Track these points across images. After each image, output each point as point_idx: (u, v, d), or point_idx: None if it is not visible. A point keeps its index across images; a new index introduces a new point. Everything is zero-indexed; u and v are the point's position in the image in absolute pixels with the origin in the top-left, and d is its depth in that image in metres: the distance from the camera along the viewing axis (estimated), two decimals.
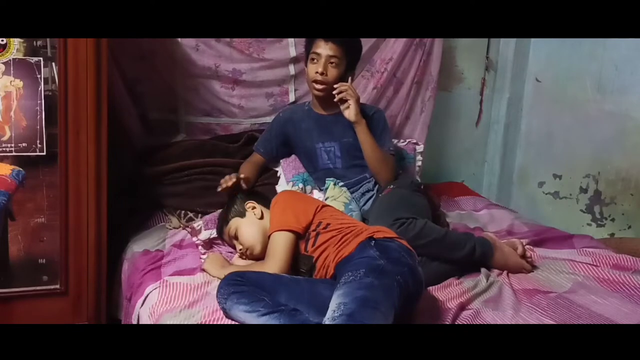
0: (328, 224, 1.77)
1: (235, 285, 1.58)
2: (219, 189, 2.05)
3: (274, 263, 1.71)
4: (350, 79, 2.25)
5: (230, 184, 2.00)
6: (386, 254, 1.59)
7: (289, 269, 1.73)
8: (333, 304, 1.44)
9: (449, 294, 1.79)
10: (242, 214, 1.91)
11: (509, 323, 1.63)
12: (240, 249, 1.89)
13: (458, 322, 1.64)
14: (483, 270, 1.92)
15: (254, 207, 1.92)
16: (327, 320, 1.41)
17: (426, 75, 2.85)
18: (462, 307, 1.70)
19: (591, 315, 1.68)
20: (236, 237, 1.90)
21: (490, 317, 1.67)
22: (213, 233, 2.05)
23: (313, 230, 1.77)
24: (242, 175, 2.07)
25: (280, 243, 1.74)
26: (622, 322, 1.63)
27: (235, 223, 1.90)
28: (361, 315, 1.39)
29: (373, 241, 1.65)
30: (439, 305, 1.72)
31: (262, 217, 1.90)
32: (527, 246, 2.06)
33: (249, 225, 1.89)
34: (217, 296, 1.61)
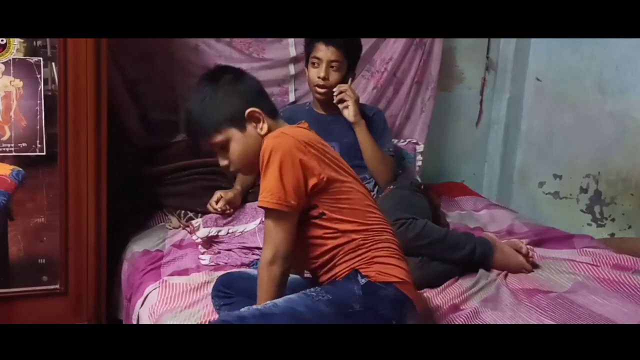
0: (322, 214, 1.40)
1: (224, 298, 1.57)
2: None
3: (270, 249, 1.36)
4: (351, 79, 2.26)
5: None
6: (369, 303, 1.36)
7: (292, 245, 1.38)
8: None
9: (449, 294, 1.79)
10: (242, 126, 1.45)
11: (508, 323, 1.63)
12: (224, 165, 1.51)
13: (456, 322, 1.64)
14: (483, 270, 1.92)
15: (259, 120, 1.45)
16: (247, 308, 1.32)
17: (426, 75, 2.85)
18: (461, 307, 1.70)
19: (591, 315, 1.68)
20: (224, 149, 1.48)
21: (490, 317, 1.66)
22: (212, 231, 2.05)
23: (306, 213, 1.42)
24: (219, 195, 2.13)
25: (277, 224, 1.36)
26: (623, 322, 1.63)
27: (229, 134, 1.45)
28: (276, 319, 1.29)
29: (365, 280, 1.38)
30: (438, 305, 1.72)
31: (267, 132, 1.45)
32: (528, 246, 2.06)
33: (246, 143, 1.46)
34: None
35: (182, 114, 1.61)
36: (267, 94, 1.55)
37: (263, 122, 1.45)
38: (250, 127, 1.46)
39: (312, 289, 1.39)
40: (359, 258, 1.40)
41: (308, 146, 1.39)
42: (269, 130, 1.45)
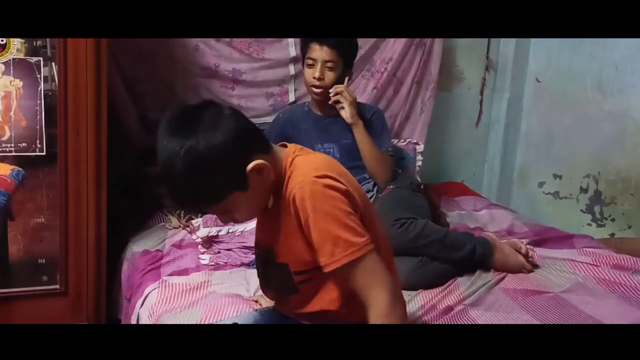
0: None
1: None
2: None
3: (385, 292, 1.18)
4: (347, 79, 2.26)
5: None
6: None
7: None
8: None
9: (448, 294, 1.79)
10: (245, 185, 1.19)
11: (502, 323, 1.63)
12: (228, 222, 1.34)
13: (453, 322, 1.64)
14: (480, 270, 1.92)
15: (261, 170, 1.19)
16: None
17: (426, 75, 2.85)
18: (457, 308, 1.70)
19: (588, 316, 1.68)
20: (225, 211, 1.25)
21: (483, 318, 1.66)
22: (212, 231, 2.05)
23: None
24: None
25: (374, 265, 1.18)
26: (622, 323, 1.63)
27: (232, 199, 1.20)
28: None
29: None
30: (436, 305, 1.72)
31: (275, 177, 1.23)
32: (528, 246, 2.06)
33: (253, 198, 1.23)
34: None
35: (165, 186, 1.23)
36: (253, 124, 1.25)
37: (268, 169, 1.20)
38: (253, 180, 1.19)
39: None
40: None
41: (341, 175, 1.21)
42: (276, 172, 1.22)
